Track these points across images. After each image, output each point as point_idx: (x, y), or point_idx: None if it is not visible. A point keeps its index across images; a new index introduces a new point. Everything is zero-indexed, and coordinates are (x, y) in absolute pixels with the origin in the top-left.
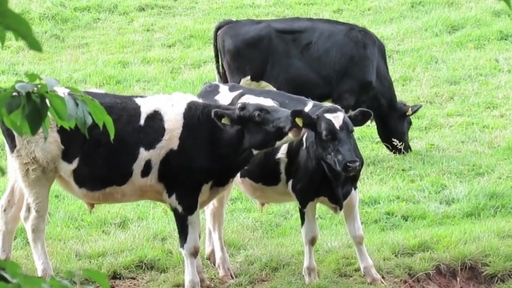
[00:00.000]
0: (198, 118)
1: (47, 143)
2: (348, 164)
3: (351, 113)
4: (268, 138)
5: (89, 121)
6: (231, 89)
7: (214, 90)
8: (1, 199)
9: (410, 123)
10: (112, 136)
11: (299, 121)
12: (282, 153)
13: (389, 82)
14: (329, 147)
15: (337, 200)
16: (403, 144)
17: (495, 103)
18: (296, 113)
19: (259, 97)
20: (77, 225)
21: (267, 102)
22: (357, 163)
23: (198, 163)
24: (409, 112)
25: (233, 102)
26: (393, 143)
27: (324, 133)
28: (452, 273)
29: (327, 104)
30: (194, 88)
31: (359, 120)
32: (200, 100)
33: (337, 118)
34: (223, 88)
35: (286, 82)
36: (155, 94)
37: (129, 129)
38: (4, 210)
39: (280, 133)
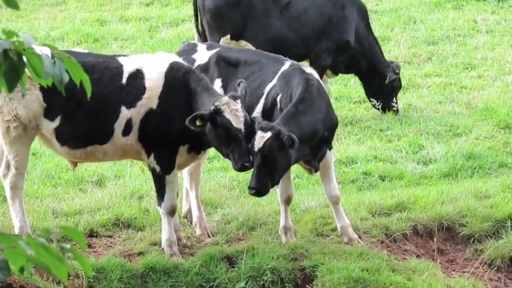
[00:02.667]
0: (179, 80)
1: (30, 100)
2: (248, 188)
3: (283, 134)
4: (218, 149)
5: (66, 78)
6: (209, 47)
7: (192, 48)
8: None
9: (398, 85)
10: (89, 94)
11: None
12: (257, 112)
13: (370, 43)
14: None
15: (312, 161)
16: (380, 103)
17: (473, 64)
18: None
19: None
20: (54, 183)
21: (239, 120)
22: (253, 191)
23: (175, 124)
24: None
25: (210, 61)
26: (371, 102)
27: None
28: (429, 233)
29: (305, 65)
30: (172, 46)
31: (288, 145)
32: (184, 63)
33: (260, 139)
34: (201, 47)
35: (265, 41)
36: (133, 52)
37: (111, 88)
38: None
39: (225, 156)
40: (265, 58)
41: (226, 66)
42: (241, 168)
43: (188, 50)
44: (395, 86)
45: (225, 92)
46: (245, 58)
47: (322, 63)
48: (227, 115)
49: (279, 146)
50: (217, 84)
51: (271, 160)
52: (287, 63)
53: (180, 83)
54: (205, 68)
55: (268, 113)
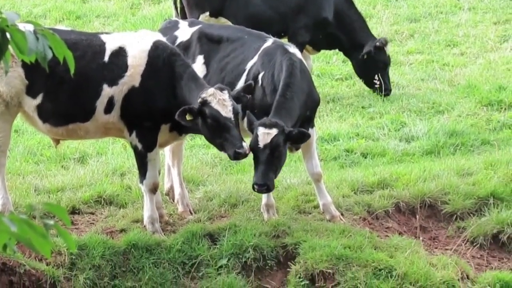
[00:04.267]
0: (163, 60)
1: (12, 77)
2: (254, 186)
3: (292, 130)
4: (212, 141)
5: (49, 55)
6: (191, 24)
7: (174, 26)
8: None
9: (381, 59)
10: (72, 71)
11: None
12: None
13: (350, 19)
14: (253, 159)
15: None
16: (365, 78)
17: (455, 41)
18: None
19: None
20: (36, 160)
21: (228, 109)
22: (264, 188)
23: (157, 102)
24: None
25: (192, 38)
26: (374, 81)
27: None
28: (412, 210)
29: (288, 43)
30: (154, 24)
31: (296, 140)
32: (169, 43)
33: (266, 136)
34: (183, 24)
35: (244, 19)
36: (115, 30)
37: (94, 66)
38: None
39: (220, 147)
40: (248, 35)
41: (208, 43)
42: (236, 155)
43: (170, 27)
44: (377, 60)
45: (207, 69)
46: (227, 35)
47: (300, 40)
48: (215, 105)
49: (284, 141)
50: (199, 61)
51: (278, 155)
52: (270, 40)
53: (164, 63)
54: (187, 45)
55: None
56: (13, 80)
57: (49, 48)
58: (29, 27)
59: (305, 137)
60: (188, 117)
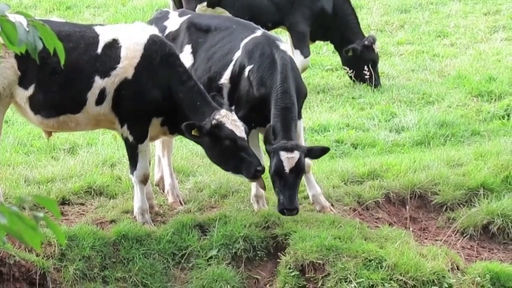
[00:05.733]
0: (161, 57)
1: (4, 68)
2: (284, 210)
3: (312, 149)
4: (225, 164)
5: (40, 46)
6: (181, 14)
7: (164, 16)
8: None
9: (370, 57)
10: (62, 62)
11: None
12: (225, 79)
13: (344, 13)
14: (275, 183)
15: None
16: (353, 72)
17: (445, 31)
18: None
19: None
20: (26, 151)
21: (241, 129)
22: (294, 212)
23: (149, 95)
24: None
25: (180, 27)
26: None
27: (272, 170)
28: (402, 201)
29: (276, 36)
30: (144, 14)
31: (318, 156)
32: (166, 40)
33: (290, 160)
34: (173, 14)
35: (242, 8)
36: (105, 20)
37: (86, 58)
38: None
39: (233, 170)
40: (236, 25)
41: (197, 32)
42: (255, 175)
43: (160, 18)
44: (366, 58)
45: (195, 58)
46: (215, 24)
47: (300, 30)
48: (229, 126)
49: (304, 161)
50: (187, 50)
51: (301, 176)
52: (258, 32)
53: (162, 60)
54: (176, 34)
55: (236, 80)
56: (5, 71)
57: (39, 39)
58: (20, 18)
59: (325, 152)
60: (194, 132)
